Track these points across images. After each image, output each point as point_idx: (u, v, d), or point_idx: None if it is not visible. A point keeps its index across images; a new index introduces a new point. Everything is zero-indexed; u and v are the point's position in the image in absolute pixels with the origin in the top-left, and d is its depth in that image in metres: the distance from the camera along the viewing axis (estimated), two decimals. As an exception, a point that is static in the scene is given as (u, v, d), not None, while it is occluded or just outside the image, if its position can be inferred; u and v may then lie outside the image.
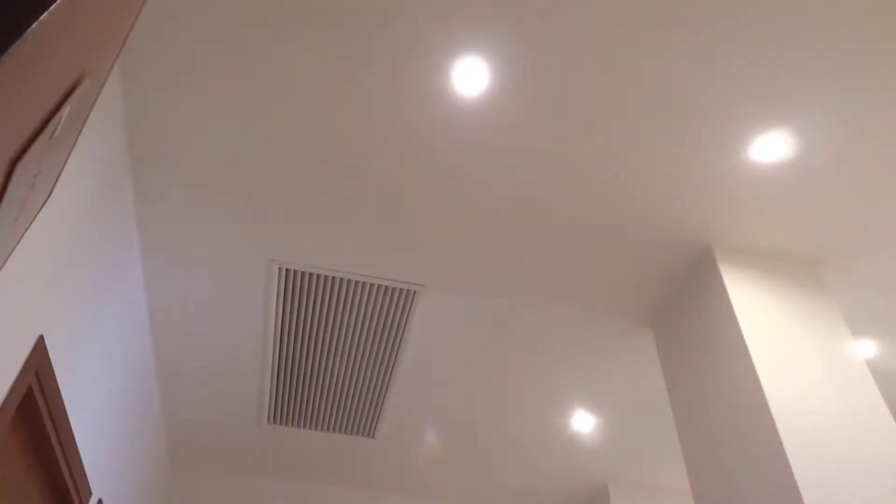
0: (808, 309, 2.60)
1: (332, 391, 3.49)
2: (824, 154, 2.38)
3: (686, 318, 2.84)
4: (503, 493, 4.33)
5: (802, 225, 2.63)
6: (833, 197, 2.53)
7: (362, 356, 3.27)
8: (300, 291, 2.92)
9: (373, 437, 3.82)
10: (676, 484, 4.18)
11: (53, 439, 2.21)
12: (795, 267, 2.74)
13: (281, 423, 3.74)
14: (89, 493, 2.65)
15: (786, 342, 2.46)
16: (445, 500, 4.39)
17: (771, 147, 2.38)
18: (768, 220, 2.62)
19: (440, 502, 4.38)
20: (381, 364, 3.31)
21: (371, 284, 2.88)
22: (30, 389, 1.99)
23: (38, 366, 1.99)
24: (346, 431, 3.79)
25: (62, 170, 1.85)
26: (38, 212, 1.77)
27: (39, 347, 1.97)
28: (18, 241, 1.69)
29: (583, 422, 3.68)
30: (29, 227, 1.75)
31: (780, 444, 2.18)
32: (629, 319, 3.06)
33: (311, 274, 2.84)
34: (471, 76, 2.22)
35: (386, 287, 2.90)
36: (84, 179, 2.07)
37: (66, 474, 2.39)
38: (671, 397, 2.88)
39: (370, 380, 3.41)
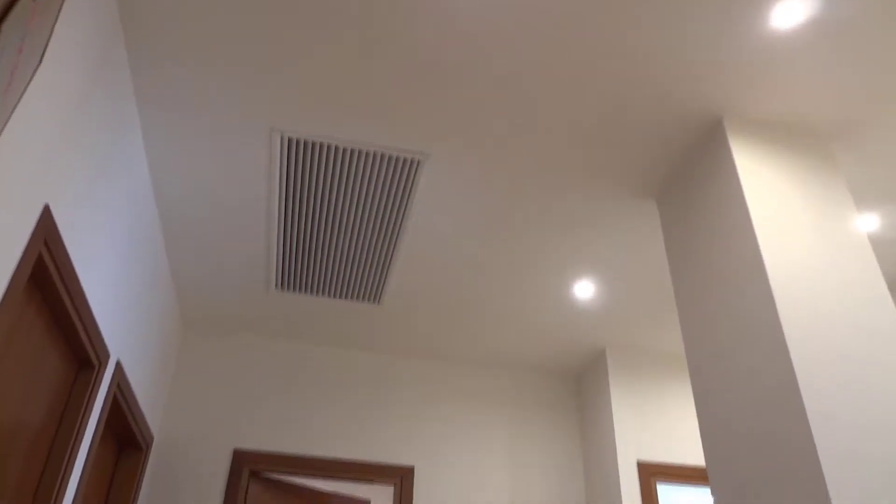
0: (815, 183, 2.58)
1: (338, 258, 3.55)
2: (845, 17, 2.27)
3: (691, 189, 2.82)
4: (504, 357, 4.51)
5: (818, 94, 2.56)
6: (852, 63, 2.44)
7: (367, 225, 3.29)
8: (303, 160, 2.90)
9: (379, 303, 3.92)
10: (672, 350, 4.33)
11: (68, 305, 2.28)
12: (806, 139, 2.69)
13: (288, 289, 3.83)
14: (108, 355, 2.76)
15: (791, 217, 2.46)
16: (448, 363, 4.58)
17: (790, 10, 2.26)
18: (784, 89, 2.55)
19: (443, 365, 4.57)
20: (385, 232, 3.34)
21: (375, 153, 2.85)
22: (40, 257, 2.02)
23: (47, 234, 2.00)
24: (352, 297, 3.89)
25: (51, 34, 1.78)
26: (32, 78, 1.72)
27: (46, 216, 1.98)
28: (15, 107, 1.66)
29: (583, 290, 3.76)
30: (24, 93, 1.70)
31: (776, 315, 2.24)
32: (634, 190, 3.05)
33: (313, 143, 2.81)
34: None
35: (390, 156, 2.87)
36: (79, 47, 2.00)
37: (83, 338, 2.48)
38: (672, 267, 2.92)
39: (375, 247, 3.46)
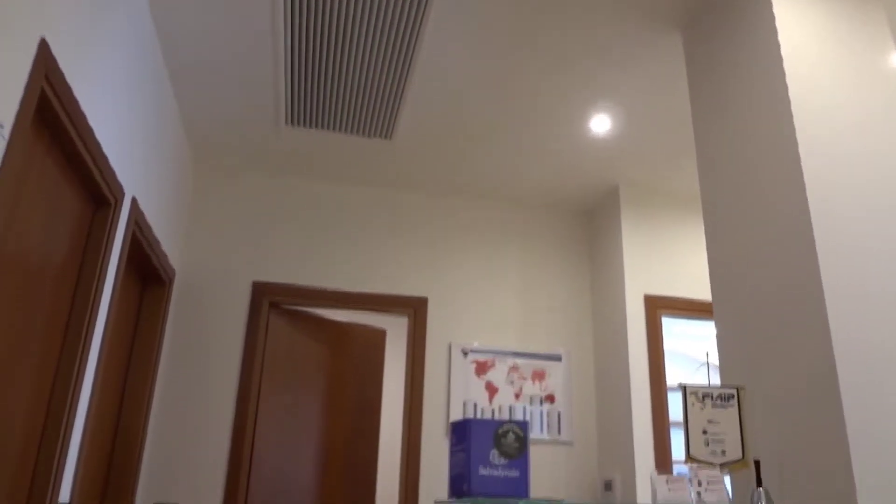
0: (852, 17, 2.41)
1: (348, 91, 3.45)
2: None
3: (720, 21, 2.65)
4: (517, 192, 4.51)
5: None
6: None
7: (378, 56, 3.16)
8: (309, -13, 2.72)
9: (390, 138, 3.86)
10: (684, 189, 4.31)
11: (77, 142, 2.25)
12: (852, -40, 2.48)
13: (298, 125, 3.76)
14: (122, 192, 2.77)
15: (822, 52, 2.32)
16: (461, 198, 4.60)
17: None
18: None
19: (456, 200, 4.59)
20: (397, 64, 3.22)
21: (384, -20, 2.67)
22: (43, 93, 1.96)
23: (47, 69, 1.93)
24: (363, 133, 3.82)
25: None
26: None
27: (44, 50, 1.90)
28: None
29: (600, 125, 3.67)
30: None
31: (797, 153, 2.18)
32: (659, 19, 2.88)
33: (319, -33, 2.62)
34: None
35: (400, -17, 2.68)
36: None
37: (97, 175, 2.47)
38: (693, 102, 2.82)
39: (387, 80, 3.35)
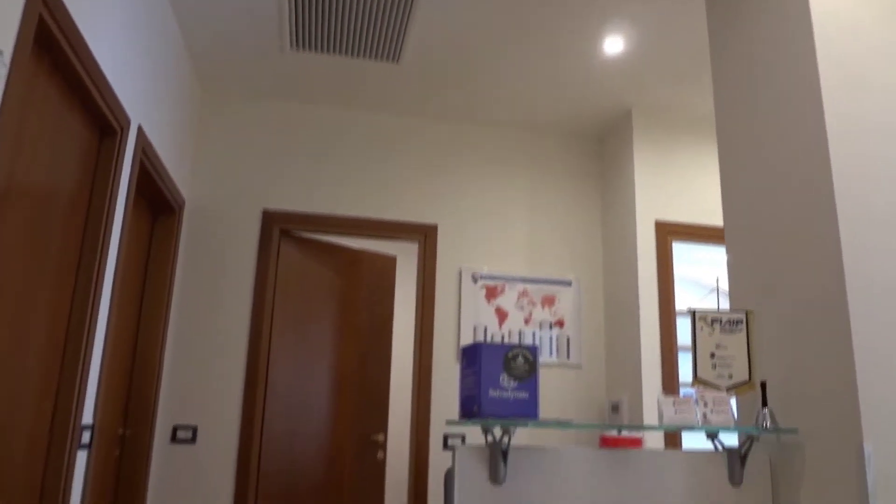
0: (885, -81, 2.29)
1: (353, 12, 3.35)
2: None
3: (742, -70, 2.53)
4: (528, 117, 4.44)
5: None
6: None
7: (383, -22, 3.05)
8: None
9: (397, 61, 3.78)
10: (698, 114, 4.22)
11: (79, 69, 2.21)
12: None
13: (303, 48, 3.68)
14: (128, 120, 2.74)
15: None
16: (470, 123, 4.53)
17: None
18: None
19: (465, 126, 4.52)
20: (403, -14, 3.11)
21: None
22: (41, 19, 1.92)
23: (44, -7, 1.88)
24: (370, 56, 3.74)
25: None
26: None
27: (39, -28, 1.85)
28: None
29: (613, 45, 3.57)
30: None
31: (817, 77, 2.12)
32: (677, -67, 2.75)
33: None
34: None
35: None
36: None
37: (101, 103, 2.44)
38: (709, 23, 2.73)
39: (393, 0, 3.25)
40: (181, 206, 3.77)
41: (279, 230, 4.11)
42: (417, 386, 4.06)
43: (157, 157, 3.19)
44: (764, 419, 2.12)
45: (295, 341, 4.10)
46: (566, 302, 4.34)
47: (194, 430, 3.72)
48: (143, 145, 2.98)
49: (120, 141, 2.68)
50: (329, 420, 4.16)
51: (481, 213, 4.39)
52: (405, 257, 6.48)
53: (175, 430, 3.69)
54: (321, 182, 4.22)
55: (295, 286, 4.17)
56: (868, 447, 1.84)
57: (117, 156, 2.66)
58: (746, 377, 2.24)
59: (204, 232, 3.99)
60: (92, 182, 2.60)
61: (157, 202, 3.54)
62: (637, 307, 3.96)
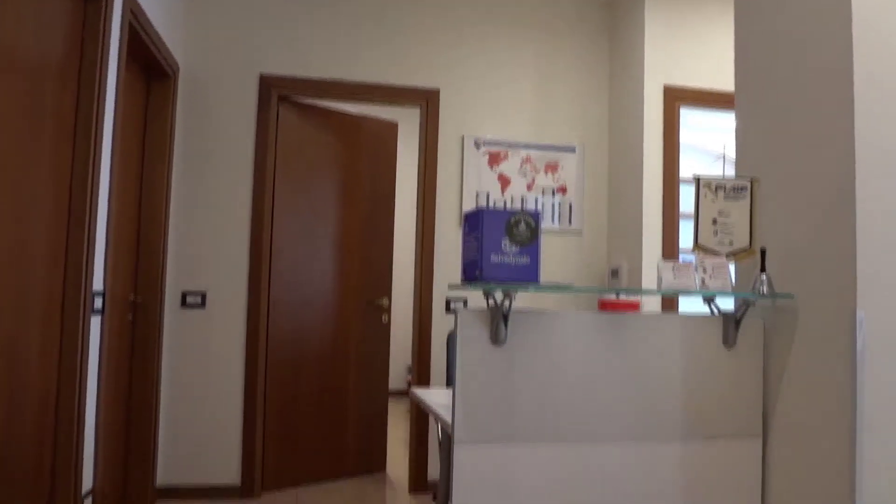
0: None
1: None
2: None
3: None
4: (534, -26, 4.19)
5: None
6: None
7: None
8: None
9: (397, -88, 3.53)
10: (717, -37, 3.98)
11: (56, -80, 2.06)
12: None
13: None
14: (112, -23, 2.60)
15: None
16: (474, -19, 4.30)
17: None
18: None
19: (469, -17, 4.29)
20: None
21: None
22: None
23: None
24: None
25: None
26: None
27: None
28: None
29: None
30: None
31: None
32: None
33: None
34: None
35: None
36: None
37: (82, -42, 2.30)
38: None
39: None
40: (176, 71, 3.66)
41: (277, 96, 4.01)
42: (420, 251, 4.12)
43: (146, 18, 3.05)
44: (761, 285, 2.16)
45: (297, 208, 4.12)
46: (569, 168, 4.30)
47: (203, 295, 3.81)
48: (132, 6, 2.84)
49: (106, 2, 2.55)
50: (334, 285, 4.26)
51: (485, 77, 4.26)
52: (407, 123, 6.37)
53: (184, 295, 3.79)
54: (319, 46, 4.07)
55: (295, 153, 4.13)
56: (861, 313, 1.88)
57: (104, 19, 2.55)
58: (747, 244, 2.26)
59: (200, 98, 3.90)
60: (81, 48, 2.50)
61: (150, 67, 3.43)
62: (641, 174, 3.93)
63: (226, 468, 3.79)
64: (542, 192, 4.25)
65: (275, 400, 3.96)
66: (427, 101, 4.16)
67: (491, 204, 4.17)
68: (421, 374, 4.07)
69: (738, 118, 2.47)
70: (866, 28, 1.95)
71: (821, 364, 2.00)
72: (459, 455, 2.00)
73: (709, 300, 2.25)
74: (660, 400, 2.15)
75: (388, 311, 4.51)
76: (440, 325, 4.09)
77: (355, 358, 4.34)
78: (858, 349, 1.87)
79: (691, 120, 4.19)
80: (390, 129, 4.63)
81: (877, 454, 1.87)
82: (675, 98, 3.96)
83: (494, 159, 4.20)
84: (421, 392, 2.80)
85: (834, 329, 1.96)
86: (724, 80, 4.02)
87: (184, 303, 3.78)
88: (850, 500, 1.87)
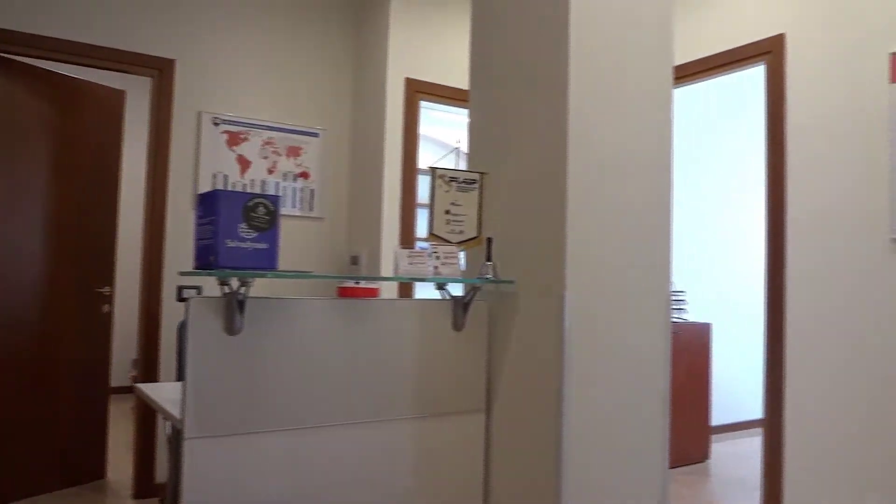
0: None
1: None
2: None
3: None
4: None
5: None
6: None
7: None
8: None
9: None
10: (456, -33, 4.19)
11: None
12: None
13: None
14: None
15: None
16: (215, -52, 4.04)
17: None
18: None
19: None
20: None
21: None
22: None
23: None
24: None
25: None
26: None
27: None
28: None
29: None
30: None
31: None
32: None
33: None
34: None
35: None
36: None
37: None
38: None
39: None
40: None
41: (-28, 48, 3.42)
42: (149, 235, 3.80)
43: None
44: (487, 271, 2.33)
45: (-2, 182, 3.56)
46: (312, 153, 4.26)
47: None
48: None
49: None
50: (46, 270, 3.76)
51: (227, 52, 4.04)
52: (137, 93, 5.83)
53: None
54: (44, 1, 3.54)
55: (-5, 117, 3.56)
56: (568, 296, 2.12)
57: None
58: (476, 233, 2.42)
59: None
60: None
61: None
62: (382, 162, 4.03)
63: None
64: (284, 177, 4.16)
65: (-36, 404, 3.40)
66: (160, 72, 3.84)
67: (229, 186, 3.98)
68: (148, 368, 3.77)
69: (470, 115, 2.64)
70: (581, 42, 2.18)
71: (536, 342, 2.22)
72: (190, 451, 1.88)
73: (441, 286, 2.37)
74: (395, 382, 2.23)
75: (111, 299, 4.10)
76: (171, 314, 3.81)
77: (69, 353, 3.87)
78: (566, 328, 2.10)
79: (432, 113, 4.41)
80: (117, 98, 4.19)
81: (575, 421, 2.13)
82: (416, 90, 4.11)
83: (234, 139, 4.02)
84: (148, 387, 2.59)
85: (546, 311, 2.18)
86: (461, 78, 4.27)
87: None
88: (556, 461, 2.10)
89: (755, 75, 3.58)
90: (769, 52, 3.33)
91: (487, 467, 2.40)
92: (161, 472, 3.75)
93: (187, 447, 1.88)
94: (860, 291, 2.92)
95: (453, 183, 2.38)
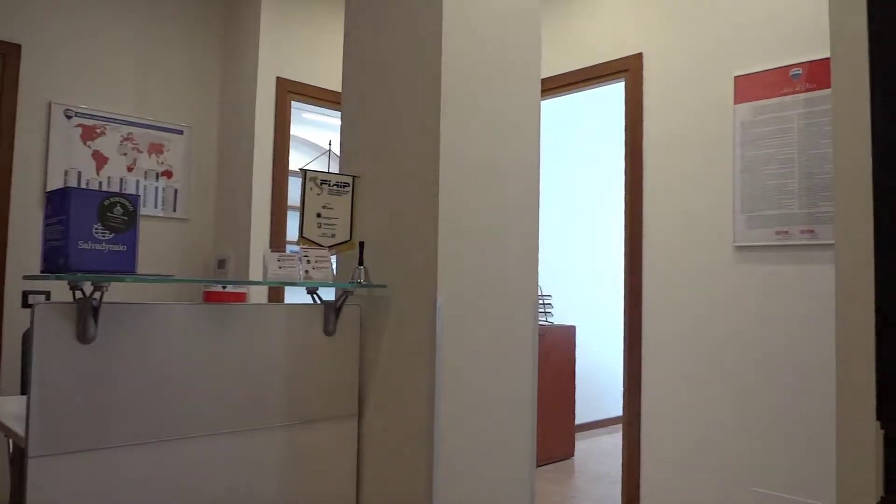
0: None
1: None
2: None
3: None
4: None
5: None
6: None
7: None
8: None
9: None
10: (330, -32, 4.14)
11: None
12: None
13: None
14: None
15: None
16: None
17: None
18: None
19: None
20: None
21: None
22: None
23: None
24: None
25: None
26: None
27: None
28: None
29: None
30: None
31: (440, -46, 2.22)
32: None
33: None
34: None
35: None
36: None
37: None
38: None
39: None
40: None
41: None
42: (-11, 235, 3.48)
43: None
44: (359, 275, 2.32)
45: None
46: (177, 151, 4.06)
47: None
48: None
49: None
50: None
51: (82, 40, 3.77)
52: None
53: None
54: None
55: None
56: (440, 300, 2.14)
57: None
58: (348, 237, 2.40)
59: None
60: None
61: None
62: (251, 163, 3.91)
63: None
64: (146, 175, 3.93)
65: None
66: (4, 57, 3.53)
67: (83, 184, 3.71)
68: (-14, 379, 3.44)
69: (343, 117, 2.61)
70: (454, 50, 2.22)
71: (408, 346, 2.23)
72: (35, 471, 1.74)
73: (312, 290, 2.33)
74: (264, 389, 2.16)
75: (-58, 305, 3.71)
76: (15, 322, 3.50)
77: None
78: (438, 331, 2.13)
79: (304, 114, 4.31)
80: (-51, 85, 3.80)
81: (446, 422, 2.16)
82: (288, 90, 4.03)
83: (89, 134, 3.75)
84: (-16, 401, 2.36)
85: (419, 314, 2.20)
86: (334, 79, 4.22)
87: None
88: (427, 461, 2.12)
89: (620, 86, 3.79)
90: (628, 70, 3.54)
91: (360, 472, 2.38)
92: (3, 495, 3.44)
93: (32, 467, 1.74)
94: (710, 295, 3.17)
95: (325, 186, 2.35)
